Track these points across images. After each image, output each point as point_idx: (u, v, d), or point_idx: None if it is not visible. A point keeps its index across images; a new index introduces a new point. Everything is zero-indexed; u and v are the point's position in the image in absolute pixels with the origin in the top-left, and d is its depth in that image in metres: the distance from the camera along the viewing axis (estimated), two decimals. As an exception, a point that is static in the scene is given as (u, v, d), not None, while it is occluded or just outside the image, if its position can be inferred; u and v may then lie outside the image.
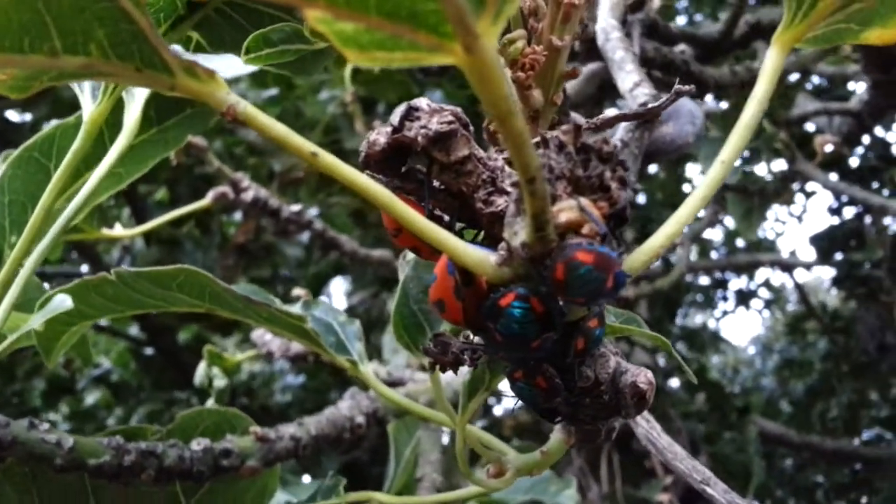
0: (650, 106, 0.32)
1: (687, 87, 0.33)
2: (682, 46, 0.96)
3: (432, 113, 0.30)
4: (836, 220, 2.59)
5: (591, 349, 0.32)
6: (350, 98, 1.15)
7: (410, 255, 0.45)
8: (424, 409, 0.50)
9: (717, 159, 0.31)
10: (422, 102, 0.30)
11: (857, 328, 2.68)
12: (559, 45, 0.35)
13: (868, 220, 2.49)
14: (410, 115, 0.30)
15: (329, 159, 0.25)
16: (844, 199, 2.46)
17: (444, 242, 0.27)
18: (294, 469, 1.38)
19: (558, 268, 0.27)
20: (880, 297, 2.31)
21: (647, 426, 0.55)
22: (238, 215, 1.97)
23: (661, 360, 2.26)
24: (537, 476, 0.77)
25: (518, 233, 0.27)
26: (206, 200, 0.88)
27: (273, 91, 1.66)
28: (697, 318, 4.14)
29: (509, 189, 0.29)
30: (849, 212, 2.56)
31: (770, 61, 0.32)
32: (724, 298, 3.72)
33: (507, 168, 0.31)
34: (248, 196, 0.92)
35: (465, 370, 0.45)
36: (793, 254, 3.08)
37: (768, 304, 4.16)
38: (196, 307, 0.45)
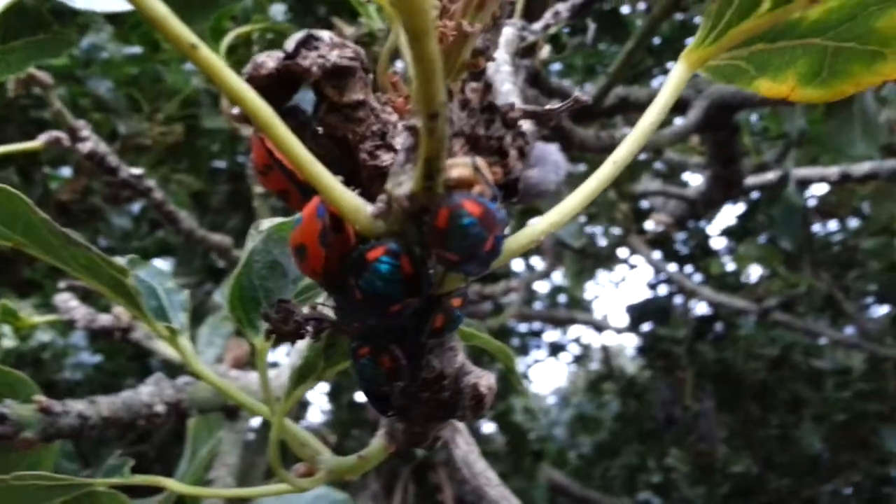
0: (548, 108, 0.32)
1: (586, 97, 0.33)
2: (556, 101, 1.00)
3: (333, 46, 0.27)
4: (651, 295, 2.80)
5: (448, 330, 0.31)
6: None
7: (264, 226, 0.42)
8: (241, 396, 0.46)
9: (610, 159, 0.30)
10: (324, 34, 0.28)
11: (651, 398, 2.88)
12: (469, 31, 0.34)
13: (679, 300, 2.71)
14: (309, 43, 0.27)
15: (209, 55, 0.22)
16: (663, 276, 2.65)
17: (320, 179, 0.25)
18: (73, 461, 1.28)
19: (441, 214, 0.25)
20: (676, 373, 2.51)
21: (466, 448, 0.55)
22: (67, 171, 1.81)
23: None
24: (332, 498, 0.75)
25: (403, 183, 0.25)
26: (36, 142, 0.79)
27: (136, 49, 1.55)
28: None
29: (398, 145, 0.27)
30: (663, 289, 2.78)
31: (676, 75, 0.32)
32: (538, 347, 3.88)
33: (400, 126, 0.29)
34: (85, 147, 0.84)
35: (295, 357, 0.42)
36: (605, 317, 3.28)
37: (576, 359, 4.39)
38: (4, 239, 0.38)
